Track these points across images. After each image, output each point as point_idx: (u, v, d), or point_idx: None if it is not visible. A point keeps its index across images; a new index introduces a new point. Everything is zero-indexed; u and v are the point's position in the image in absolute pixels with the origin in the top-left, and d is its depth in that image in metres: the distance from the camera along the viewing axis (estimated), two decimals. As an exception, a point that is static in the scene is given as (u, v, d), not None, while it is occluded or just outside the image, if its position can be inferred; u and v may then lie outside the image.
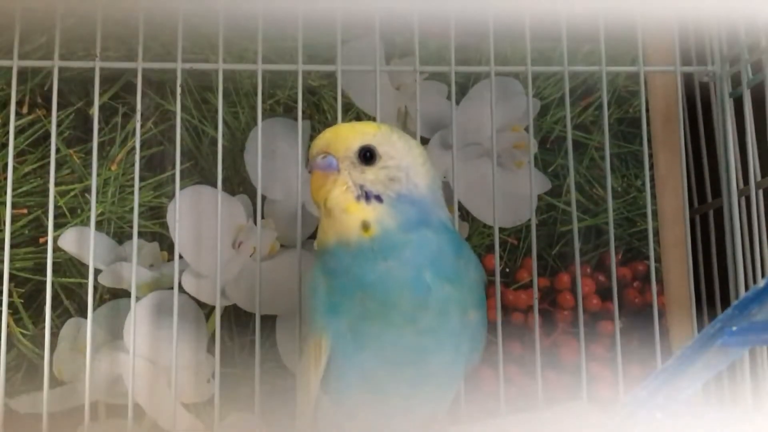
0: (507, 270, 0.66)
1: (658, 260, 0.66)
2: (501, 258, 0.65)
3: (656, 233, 0.66)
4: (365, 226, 0.46)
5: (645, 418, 0.31)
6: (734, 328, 0.30)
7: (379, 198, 0.47)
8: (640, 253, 0.67)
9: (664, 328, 0.64)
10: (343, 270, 0.47)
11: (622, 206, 0.68)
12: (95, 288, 0.61)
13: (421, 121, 0.60)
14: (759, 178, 0.60)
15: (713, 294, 0.65)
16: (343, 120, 0.60)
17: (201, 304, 0.63)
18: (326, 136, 0.48)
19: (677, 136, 0.66)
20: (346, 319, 0.47)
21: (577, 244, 0.60)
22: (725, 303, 0.63)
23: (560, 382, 0.64)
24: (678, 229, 0.65)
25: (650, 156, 0.66)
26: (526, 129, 0.66)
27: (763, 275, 0.59)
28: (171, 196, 0.64)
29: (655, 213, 0.67)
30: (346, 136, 0.48)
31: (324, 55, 0.63)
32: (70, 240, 0.63)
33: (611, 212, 0.62)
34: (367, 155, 0.48)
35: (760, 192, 0.60)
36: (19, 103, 0.63)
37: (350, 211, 0.47)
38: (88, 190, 0.62)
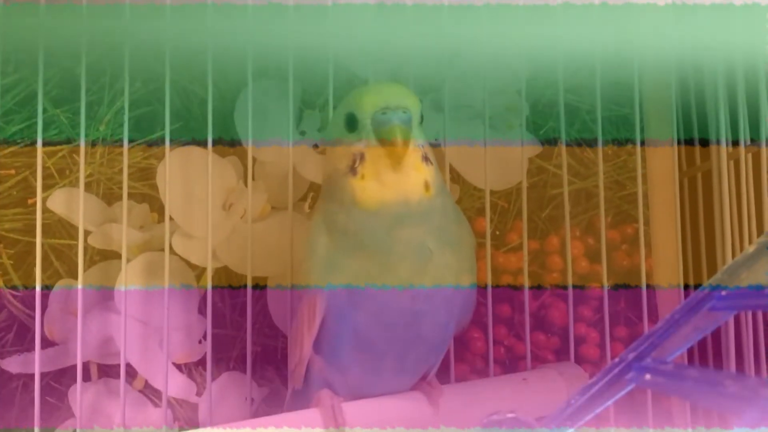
0: (497, 232, 0.66)
1: (646, 223, 0.66)
2: (491, 220, 0.65)
3: (645, 196, 0.67)
4: (426, 186, 0.46)
5: (633, 379, 0.31)
6: (723, 293, 0.30)
7: (429, 160, 0.47)
8: (628, 216, 0.67)
9: (651, 290, 0.65)
10: (359, 230, 0.46)
11: (612, 169, 0.68)
12: (85, 249, 0.61)
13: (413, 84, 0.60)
14: (749, 141, 0.60)
15: (700, 257, 0.65)
16: (335, 82, 0.60)
17: (192, 266, 0.63)
18: (395, 92, 0.46)
19: (669, 99, 0.66)
20: (343, 281, 0.47)
21: (567, 207, 0.61)
22: (711, 266, 0.64)
23: (548, 343, 0.65)
24: (667, 192, 0.65)
25: (641, 119, 0.66)
26: (518, 92, 0.65)
27: (750, 239, 0.59)
28: (160, 158, 0.63)
29: (644, 176, 0.67)
30: (412, 96, 0.47)
31: (315, 15, 0.63)
32: (59, 201, 0.63)
33: (601, 175, 0.63)
34: (421, 117, 0.47)
35: (749, 155, 0.61)
36: (5, 62, 0.62)
37: (419, 170, 0.46)
38: (76, 150, 0.62)
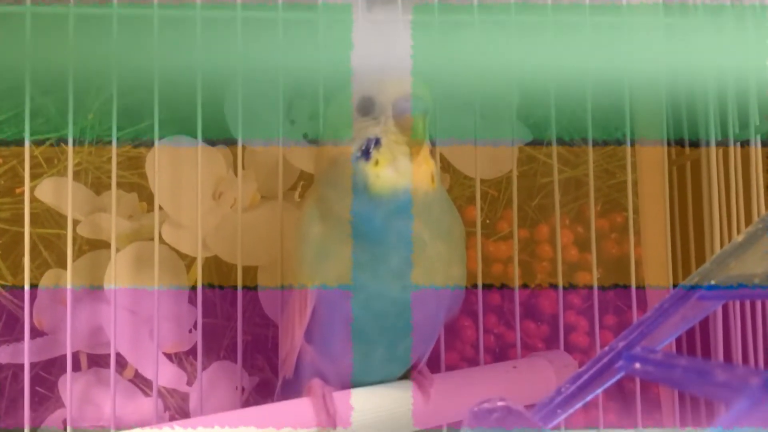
0: (487, 221, 0.66)
1: (636, 212, 0.66)
2: (481, 209, 0.65)
3: (634, 185, 0.67)
4: (432, 178, 0.46)
5: (623, 368, 0.31)
6: (712, 282, 0.30)
7: (433, 154, 0.47)
8: (618, 205, 0.68)
9: (640, 278, 0.65)
10: (358, 216, 0.45)
11: (602, 158, 0.68)
12: (74, 239, 0.60)
13: (402, 72, 0.60)
14: (737, 130, 0.61)
15: (689, 246, 0.66)
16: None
17: (181, 255, 0.63)
18: (415, 82, 0.45)
19: (659, 94, 0.66)
20: (335, 270, 0.47)
21: (557, 196, 0.61)
22: (700, 254, 0.64)
23: (538, 331, 0.66)
24: (656, 180, 0.65)
25: (630, 110, 0.66)
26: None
27: (738, 228, 0.59)
28: (149, 146, 0.63)
29: (633, 165, 0.67)
30: (428, 88, 0.46)
31: (305, 3, 0.62)
32: (47, 190, 0.62)
33: (591, 164, 0.63)
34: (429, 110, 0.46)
35: (738, 144, 0.61)
36: (-9, 50, 0.62)
37: (428, 162, 0.46)
38: (64, 139, 0.61)
